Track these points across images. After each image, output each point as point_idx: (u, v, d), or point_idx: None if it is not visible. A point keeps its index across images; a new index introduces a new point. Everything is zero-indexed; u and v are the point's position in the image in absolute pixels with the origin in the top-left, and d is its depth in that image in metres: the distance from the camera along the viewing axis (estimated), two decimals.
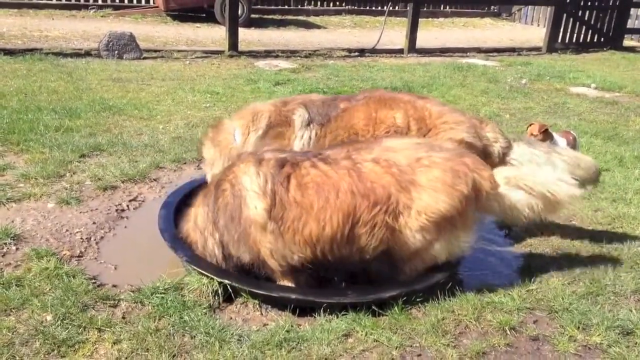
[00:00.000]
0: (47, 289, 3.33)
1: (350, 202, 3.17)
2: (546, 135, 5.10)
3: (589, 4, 14.14)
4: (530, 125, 5.23)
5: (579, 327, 3.27)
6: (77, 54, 9.84)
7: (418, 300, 3.37)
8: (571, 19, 14.00)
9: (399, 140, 3.54)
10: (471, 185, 3.32)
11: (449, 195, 3.25)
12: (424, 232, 3.27)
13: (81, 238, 4.00)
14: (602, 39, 14.46)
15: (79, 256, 3.79)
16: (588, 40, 14.38)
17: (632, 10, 15.59)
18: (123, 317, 3.18)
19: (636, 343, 3.17)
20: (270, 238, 3.22)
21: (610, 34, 14.51)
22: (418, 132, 3.95)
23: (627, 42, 15.22)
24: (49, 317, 3.08)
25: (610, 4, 14.34)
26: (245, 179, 3.26)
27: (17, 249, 3.78)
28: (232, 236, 3.32)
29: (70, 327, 3.02)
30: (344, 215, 3.18)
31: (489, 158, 3.99)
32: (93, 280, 3.49)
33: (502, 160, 4.10)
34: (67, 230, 4.07)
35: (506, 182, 3.47)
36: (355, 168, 3.24)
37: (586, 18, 14.20)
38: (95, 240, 4.02)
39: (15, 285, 3.34)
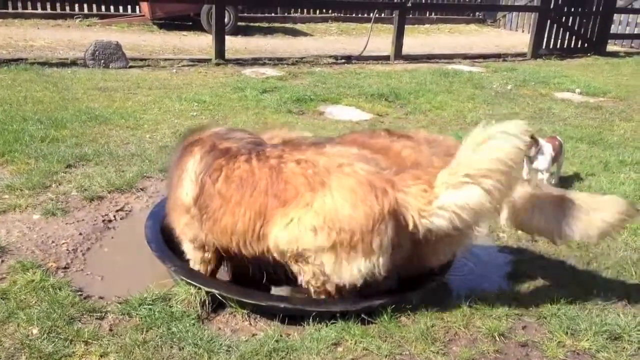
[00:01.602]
0: (33, 302, 3.29)
1: (262, 201, 3.18)
2: (532, 141, 5.13)
3: (573, 10, 14.29)
4: None
5: (567, 333, 3.28)
6: (62, 64, 9.76)
7: (407, 307, 3.37)
8: (555, 25, 14.12)
9: (342, 148, 3.36)
10: (388, 206, 3.04)
11: (355, 208, 3.02)
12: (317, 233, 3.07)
13: (67, 249, 3.96)
14: (586, 45, 14.61)
15: (65, 268, 3.75)
16: (572, 45, 14.52)
17: (615, 16, 15.77)
18: (110, 330, 3.15)
19: (624, 348, 3.19)
20: (188, 219, 3.42)
21: (594, 39, 14.65)
22: None
23: (610, 48, 15.38)
24: (35, 331, 3.05)
25: (594, 9, 14.49)
26: (191, 161, 3.42)
27: (2, 261, 3.73)
28: (170, 205, 3.56)
29: (56, 340, 2.99)
30: (255, 213, 3.20)
31: None
32: (79, 292, 3.46)
33: None
34: (53, 242, 4.03)
35: (446, 186, 3.07)
36: (277, 167, 3.22)
37: (570, 24, 14.34)
38: (81, 251, 3.98)
39: (1, 298, 3.30)
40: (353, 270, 3.11)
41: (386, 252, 3.11)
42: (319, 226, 3.07)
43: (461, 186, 3.03)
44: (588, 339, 3.23)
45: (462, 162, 3.06)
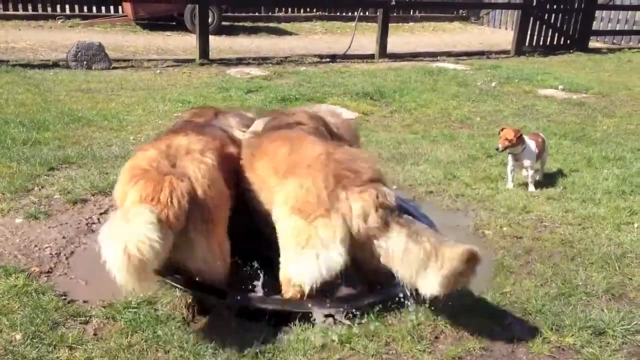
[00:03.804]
0: (16, 307, 3.25)
1: None
2: (520, 140, 5.18)
3: (555, 7, 14.40)
4: (503, 129, 5.29)
5: (552, 329, 3.30)
6: (44, 65, 9.68)
7: (393, 306, 3.37)
8: (538, 22, 14.24)
9: (185, 138, 3.55)
10: None
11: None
12: None
13: (50, 253, 3.92)
14: (569, 41, 14.73)
15: (48, 272, 3.71)
16: (555, 42, 14.64)
17: (597, 13, 15.92)
18: (95, 334, 3.12)
19: (609, 343, 3.22)
20: None
21: (576, 36, 14.78)
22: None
23: (592, 44, 15.52)
24: (18, 336, 3.01)
25: (576, 6, 14.61)
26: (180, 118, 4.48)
27: None
28: None
29: (40, 345, 2.96)
30: None
31: None
32: (63, 297, 3.42)
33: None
34: (36, 246, 3.99)
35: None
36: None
37: (552, 21, 14.46)
38: (65, 255, 3.94)
39: None
40: None
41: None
42: None
43: None
44: (573, 335, 3.25)
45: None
